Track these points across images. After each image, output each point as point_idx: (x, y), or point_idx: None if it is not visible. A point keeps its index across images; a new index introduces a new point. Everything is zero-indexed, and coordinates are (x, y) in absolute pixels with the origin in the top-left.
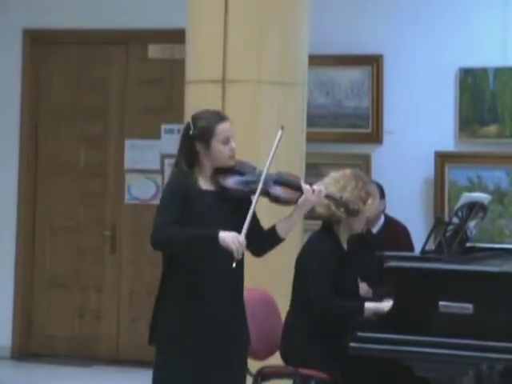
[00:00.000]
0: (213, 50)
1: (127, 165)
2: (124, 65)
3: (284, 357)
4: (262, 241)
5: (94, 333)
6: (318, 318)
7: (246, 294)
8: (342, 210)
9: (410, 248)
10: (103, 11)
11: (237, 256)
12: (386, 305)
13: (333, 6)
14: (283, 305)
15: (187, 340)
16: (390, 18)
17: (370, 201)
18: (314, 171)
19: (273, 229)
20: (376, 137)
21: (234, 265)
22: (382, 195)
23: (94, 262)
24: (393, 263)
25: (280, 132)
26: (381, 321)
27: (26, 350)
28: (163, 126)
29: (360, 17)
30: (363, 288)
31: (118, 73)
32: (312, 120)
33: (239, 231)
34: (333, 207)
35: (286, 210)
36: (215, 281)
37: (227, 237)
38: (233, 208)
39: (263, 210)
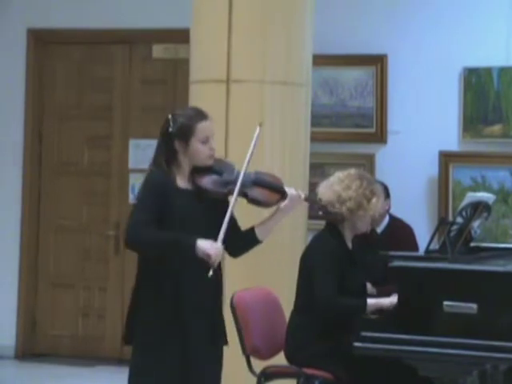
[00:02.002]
0: (217, 50)
1: (131, 164)
2: (128, 64)
3: (288, 356)
4: (239, 242)
5: (97, 333)
6: (321, 317)
7: (250, 293)
8: (321, 213)
9: (415, 248)
10: (107, 11)
11: (213, 266)
12: (388, 300)
13: (337, 6)
14: (287, 304)
15: (167, 340)
16: (393, 18)
17: (374, 200)
18: (319, 171)
19: (251, 231)
20: (380, 136)
21: (210, 273)
22: (387, 195)
23: (97, 262)
24: (397, 263)
25: (258, 129)
26: (384, 320)
27: (30, 350)
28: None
29: (364, 17)
30: (367, 288)
31: (121, 73)
32: (316, 120)
33: (216, 231)
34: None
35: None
36: (195, 281)
37: (204, 246)
38: (210, 207)
39: (242, 210)
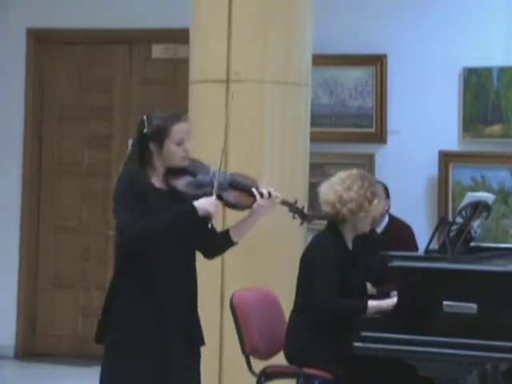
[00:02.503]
0: (217, 50)
1: None
2: (128, 65)
3: (288, 356)
4: (214, 243)
5: None
6: (319, 318)
7: (249, 293)
8: (296, 215)
9: (414, 247)
10: (107, 11)
11: (216, 218)
12: (389, 303)
13: (337, 5)
14: (287, 304)
15: (141, 341)
16: (393, 18)
17: (375, 201)
18: (319, 171)
19: (226, 232)
20: (380, 136)
21: (210, 225)
22: (387, 195)
23: (97, 262)
24: (397, 263)
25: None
26: (384, 320)
27: (30, 350)
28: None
29: (364, 17)
30: (368, 287)
31: (121, 73)
32: (316, 120)
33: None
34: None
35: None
36: (171, 281)
37: (203, 203)
38: None
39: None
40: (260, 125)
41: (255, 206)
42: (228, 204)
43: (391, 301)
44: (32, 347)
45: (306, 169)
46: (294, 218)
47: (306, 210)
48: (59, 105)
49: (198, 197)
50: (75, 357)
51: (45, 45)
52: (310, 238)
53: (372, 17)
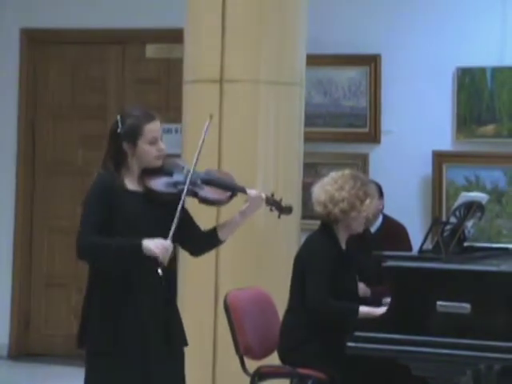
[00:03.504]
0: (211, 50)
1: None
2: (121, 64)
3: (281, 356)
4: (200, 241)
5: None
6: (312, 318)
7: (243, 293)
8: (274, 208)
9: (408, 247)
10: (100, 11)
11: (162, 262)
12: (381, 310)
13: (331, 5)
14: (281, 304)
15: (120, 343)
16: (387, 18)
17: (368, 201)
18: (312, 171)
19: (213, 231)
20: (374, 136)
21: (159, 271)
22: (381, 195)
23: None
24: (391, 263)
25: (207, 122)
26: (378, 320)
27: (24, 350)
28: (161, 126)
29: (358, 16)
30: (361, 288)
31: (115, 72)
32: (310, 119)
33: (169, 232)
34: (276, 212)
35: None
36: (147, 281)
37: (150, 244)
38: (162, 209)
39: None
40: (254, 125)
41: (246, 205)
42: (204, 201)
43: (383, 310)
44: (25, 347)
45: (299, 169)
46: (271, 210)
47: (283, 203)
48: (53, 104)
49: (173, 195)
50: (69, 357)
51: (38, 45)
52: (303, 238)
53: (366, 16)
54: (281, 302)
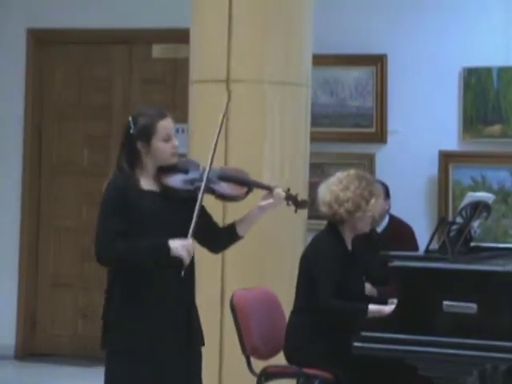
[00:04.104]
0: (217, 50)
1: None
2: (127, 64)
3: (288, 356)
4: (218, 238)
5: (97, 333)
6: (320, 318)
7: (249, 293)
8: (290, 202)
9: (415, 247)
10: (106, 11)
11: (186, 263)
12: (390, 308)
13: (337, 5)
14: (287, 304)
15: (138, 343)
16: (394, 18)
17: (373, 201)
18: (318, 171)
19: (232, 226)
20: (380, 136)
21: (182, 273)
22: (387, 195)
23: (97, 262)
24: (397, 263)
25: (220, 119)
26: (384, 320)
27: (30, 350)
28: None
29: (364, 16)
30: (367, 288)
31: (121, 72)
32: (316, 120)
33: (187, 231)
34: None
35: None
36: (168, 281)
37: (177, 245)
38: (179, 207)
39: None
40: (260, 125)
41: (266, 201)
42: (221, 196)
43: (392, 307)
44: (32, 347)
45: (306, 169)
46: (288, 204)
47: (299, 197)
48: (59, 104)
49: (191, 192)
50: (75, 357)
51: (44, 45)
52: (309, 238)
53: (372, 17)
54: (287, 301)
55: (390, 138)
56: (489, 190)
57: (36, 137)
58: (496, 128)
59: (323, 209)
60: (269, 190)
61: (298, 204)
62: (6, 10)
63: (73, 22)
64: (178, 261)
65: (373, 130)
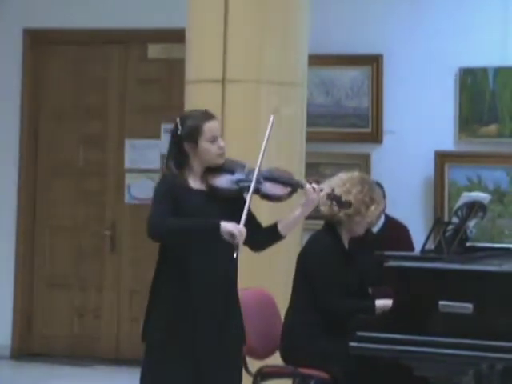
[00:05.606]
0: (213, 50)
1: (127, 164)
2: (124, 64)
3: (283, 356)
4: (261, 236)
5: (93, 332)
6: (317, 317)
7: (245, 293)
8: (334, 202)
9: (410, 247)
10: (103, 11)
11: (238, 242)
12: None
13: (333, 5)
14: (282, 304)
15: (175, 340)
16: (389, 18)
17: (373, 207)
18: (314, 171)
19: (274, 226)
20: (376, 136)
21: (235, 254)
22: (383, 195)
23: (93, 262)
24: (393, 263)
25: (271, 119)
26: (380, 320)
27: (26, 350)
28: (163, 126)
29: (360, 16)
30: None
31: (117, 72)
32: (312, 120)
33: None
34: (335, 207)
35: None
36: (209, 281)
37: (228, 226)
38: (224, 207)
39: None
40: (256, 125)
41: (305, 200)
42: (266, 196)
43: None
44: (28, 347)
45: (301, 169)
46: (331, 205)
47: (342, 198)
48: (55, 104)
49: (237, 192)
50: (71, 357)
51: (41, 45)
52: (305, 238)
53: (368, 17)
54: (282, 301)
55: (385, 138)
56: (484, 190)
57: (32, 136)
58: (492, 128)
59: (323, 209)
60: (312, 189)
61: (342, 204)
62: (3, 10)
63: (69, 22)
64: (228, 243)
65: (368, 130)
